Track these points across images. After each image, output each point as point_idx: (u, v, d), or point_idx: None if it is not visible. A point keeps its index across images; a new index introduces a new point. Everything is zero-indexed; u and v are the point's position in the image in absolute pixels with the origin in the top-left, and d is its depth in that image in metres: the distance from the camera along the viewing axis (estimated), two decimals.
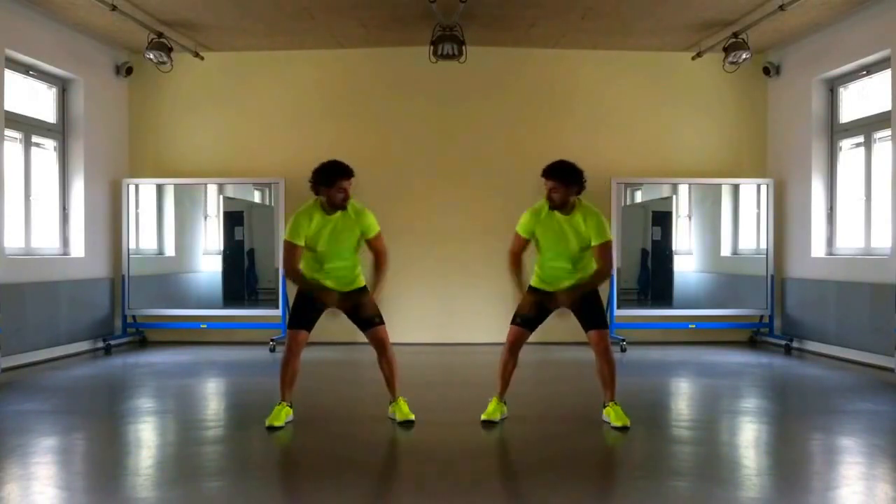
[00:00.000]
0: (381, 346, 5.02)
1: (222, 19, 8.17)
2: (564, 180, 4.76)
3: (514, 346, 5.05)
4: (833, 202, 8.52)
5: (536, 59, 9.25)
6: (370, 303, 4.97)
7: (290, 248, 4.82)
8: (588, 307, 4.93)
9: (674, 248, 9.37)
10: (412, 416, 5.03)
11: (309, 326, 4.97)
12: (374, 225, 4.91)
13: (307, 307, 4.95)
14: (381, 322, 5.00)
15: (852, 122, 8.27)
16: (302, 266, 4.92)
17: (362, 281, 5.01)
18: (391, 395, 5.15)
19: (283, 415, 4.94)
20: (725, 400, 6.14)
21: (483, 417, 5.03)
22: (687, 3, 7.66)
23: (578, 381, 5.10)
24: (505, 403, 5.14)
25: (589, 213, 4.85)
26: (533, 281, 5.01)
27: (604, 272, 4.88)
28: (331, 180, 4.75)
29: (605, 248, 4.80)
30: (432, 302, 9.19)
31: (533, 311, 4.97)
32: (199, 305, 9.26)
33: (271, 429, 4.86)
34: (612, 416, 4.92)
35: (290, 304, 5.03)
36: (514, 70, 9.22)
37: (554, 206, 4.83)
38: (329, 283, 4.90)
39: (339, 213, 4.82)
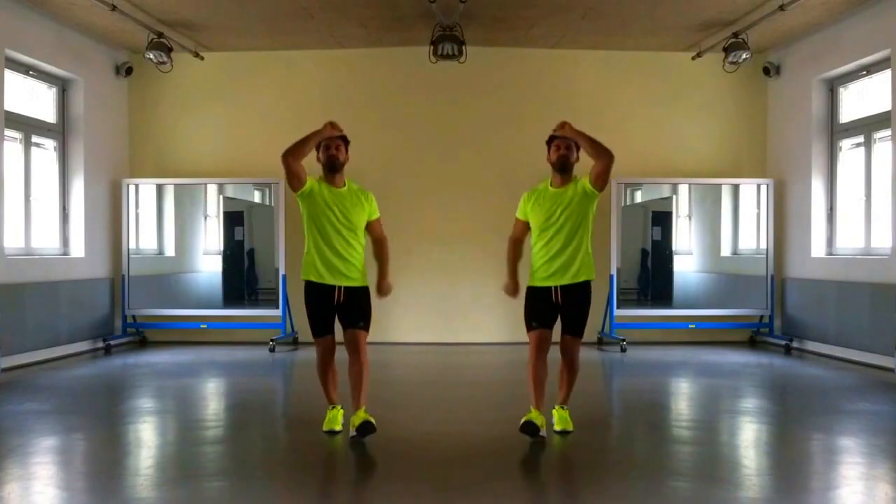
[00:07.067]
0: (355, 349, 4.84)
1: (222, 19, 8.17)
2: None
3: (539, 349, 4.82)
4: (833, 202, 8.52)
5: (536, 59, 9.25)
6: (367, 306, 4.88)
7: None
8: (572, 311, 4.81)
9: (674, 248, 9.37)
10: (370, 419, 4.74)
11: (332, 329, 4.88)
12: (376, 208, 4.96)
13: (321, 311, 4.85)
14: (365, 328, 4.87)
15: (852, 122, 8.27)
16: (310, 245, 4.83)
17: (367, 280, 4.92)
18: (354, 404, 4.76)
19: (338, 417, 4.87)
20: (725, 400, 6.14)
21: (524, 419, 4.74)
22: (687, 4, 7.66)
23: (581, 381, 5.06)
24: (542, 415, 4.76)
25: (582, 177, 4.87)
26: (530, 281, 4.89)
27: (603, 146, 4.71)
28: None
29: None
30: (432, 301, 9.19)
31: (540, 309, 4.83)
32: (199, 305, 9.26)
33: (332, 433, 4.81)
34: (557, 418, 4.83)
35: (306, 314, 4.92)
36: (514, 70, 9.23)
37: (563, 165, 4.81)
38: (337, 264, 4.76)
39: (346, 189, 4.86)
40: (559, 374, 4.90)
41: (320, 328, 4.85)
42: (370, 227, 4.94)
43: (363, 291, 4.89)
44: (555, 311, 4.83)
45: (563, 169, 4.83)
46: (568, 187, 4.83)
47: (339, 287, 4.78)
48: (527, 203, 4.90)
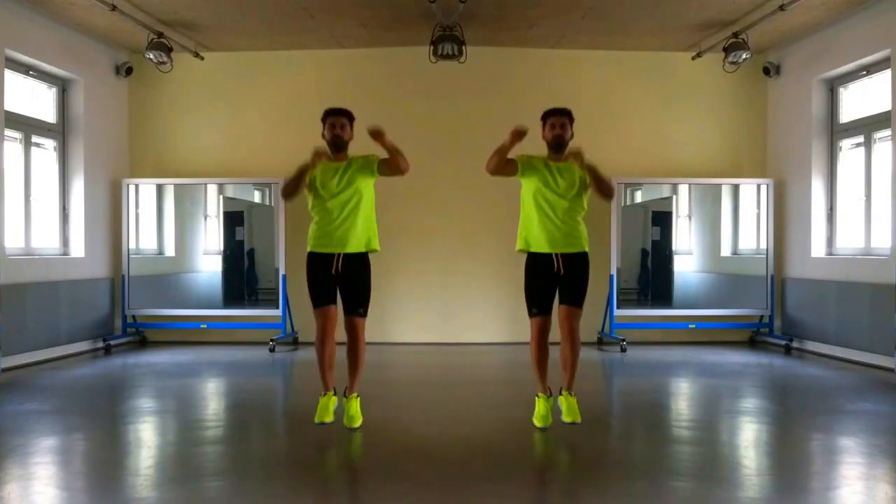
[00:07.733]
0: (354, 336, 4.91)
1: (222, 19, 8.17)
2: (567, 113, 4.94)
3: (540, 335, 4.83)
4: (833, 202, 8.52)
5: (537, 59, 9.25)
6: (366, 283, 4.91)
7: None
8: (572, 281, 4.78)
9: (674, 248, 9.37)
10: (357, 424, 4.88)
11: (332, 299, 4.85)
12: (376, 154, 4.94)
13: (322, 280, 4.83)
14: (364, 315, 4.92)
15: (852, 122, 8.27)
16: (313, 217, 4.89)
17: (369, 245, 4.90)
18: (349, 385, 4.95)
19: (330, 407, 4.79)
20: (725, 400, 6.14)
21: (538, 425, 4.83)
22: (687, 3, 7.66)
23: (581, 381, 5.06)
24: (550, 395, 4.89)
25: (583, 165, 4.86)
26: (519, 244, 4.89)
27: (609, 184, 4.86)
28: (325, 114, 4.99)
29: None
30: (432, 301, 9.19)
31: (540, 287, 4.82)
32: (199, 305, 9.26)
33: (322, 424, 4.76)
34: (565, 407, 4.72)
35: (307, 285, 4.92)
36: (515, 70, 9.22)
37: (558, 144, 4.87)
38: (333, 231, 4.78)
39: (348, 159, 4.92)
40: (560, 354, 4.83)
41: (318, 297, 4.85)
42: (381, 162, 4.92)
43: (362, 261, 4.89)
44: (554, 283, 4.82)
45: (557, 147, 4.90)
46: (569, 163, 4.85)
47: (337, 255, 4.81)
48: (529, 159, 4.90)
